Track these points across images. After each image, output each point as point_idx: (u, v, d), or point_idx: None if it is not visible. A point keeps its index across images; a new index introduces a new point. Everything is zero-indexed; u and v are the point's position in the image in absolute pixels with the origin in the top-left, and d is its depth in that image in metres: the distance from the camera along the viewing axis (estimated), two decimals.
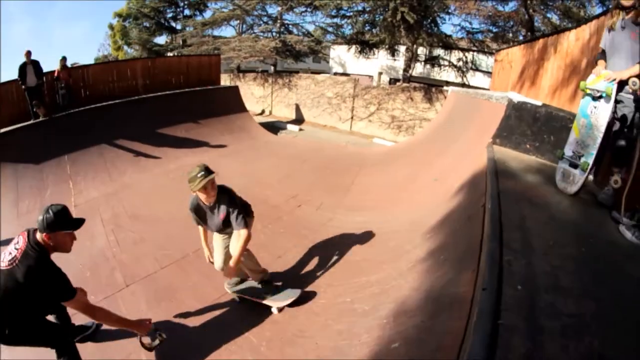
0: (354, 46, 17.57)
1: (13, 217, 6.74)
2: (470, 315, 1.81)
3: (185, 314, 3.59)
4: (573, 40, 6.04)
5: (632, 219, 2.80)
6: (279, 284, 3.85)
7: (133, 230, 5.39)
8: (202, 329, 3.45)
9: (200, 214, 3.46)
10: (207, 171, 3.21)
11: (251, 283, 3.83)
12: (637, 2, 2.97)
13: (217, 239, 3.61)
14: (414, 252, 3.62)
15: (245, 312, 3.59)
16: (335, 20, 18.03)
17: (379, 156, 9.32)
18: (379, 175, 7.63)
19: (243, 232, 3.23)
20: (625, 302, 2.03)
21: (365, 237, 4.66)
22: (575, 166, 3.43)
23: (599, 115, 3.21)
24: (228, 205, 3.36)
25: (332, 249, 4.52)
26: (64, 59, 9.94)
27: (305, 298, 3.61)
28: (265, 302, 3.57)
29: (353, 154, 9.96)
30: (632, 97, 3.08)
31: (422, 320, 2.41)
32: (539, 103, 4.77)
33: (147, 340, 2.96)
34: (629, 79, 3.00)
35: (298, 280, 4.00)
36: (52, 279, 2.42)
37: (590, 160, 3.22)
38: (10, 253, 2.41)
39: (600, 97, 3.20)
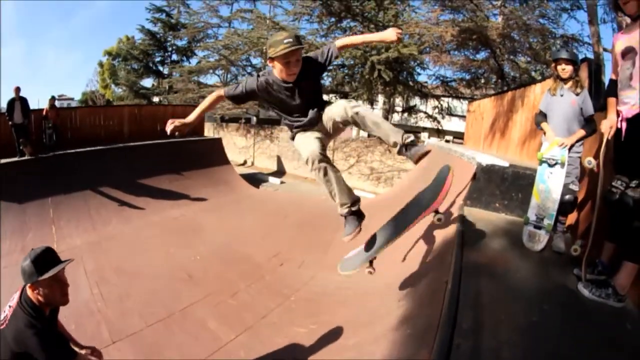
0: (333, 97, 18.56)
1: None
2: None
3: None
4: (539, 93, 6.37)
5: (592, 273, 3.02)
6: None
7: (117, 284, 5.47)
8: None
9: (271, 95, 2.85)
10: (297, 40, 2.56)
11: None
12: (574, 73, 3.63)
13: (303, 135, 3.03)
14: (388, 319, 3.85)
15: None
16: None
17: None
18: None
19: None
20: None
21: (345, 297, 4.89)
22: (539, 228, 3.83)
23: (555, 179, 3.72)
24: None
25: (313, 309, 4.76)
26: (52, 98, 10.36)
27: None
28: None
29: (332, 207, 10.19)
30: (578, 155, 3.71)
31: None
32: (506, 164, 5.16)
33: None
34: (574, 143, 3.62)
35: (282, 340, 4.19)
36: (37, 345, 1.97)
37: (552, 221, 3.68)
38: (4, 311, 2.18)
39: (556, 163, 3.71)
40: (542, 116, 3.95)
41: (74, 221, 7.73)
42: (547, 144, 3.82)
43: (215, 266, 6.23)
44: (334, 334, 4.13)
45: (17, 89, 8.87)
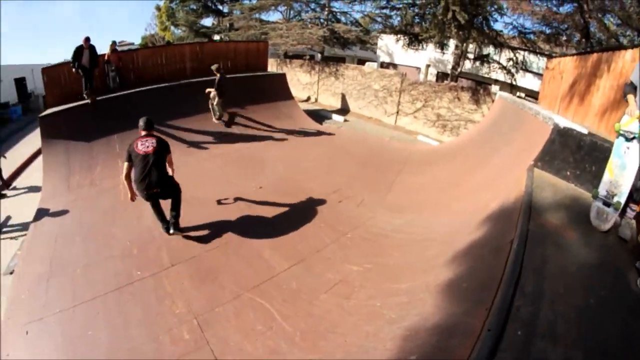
0: (402, 38, 17.62)
1: (64, 190, 7.60)
2: (473, 349, 2.16)
3: (224, 297, 4.05)
4: (629, 61, 5.86)
5: None
6: None
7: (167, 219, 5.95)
8: (239, 313, 3.87)
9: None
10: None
11: None
12: None
13: None
14: (443, 269, 3.85)
15: (281, 303, 3.96)
16: (384, 10, 18.17)
17: (422, 155, 9.42)
18: (422, 175, 7.76)
19: None
20: (611, 356, 2.27)
21: (402, 242, 4.90)
22: (608, 205, 3.65)
23: (632, 156, 3.43)
24: None
25: (368, 250, 4.81)
26: (113, 43, 10.95)
27: (340, 294, 3.97)
28: None
29: (397, 150, 10.10)
30: None
31: (437, 340, 2.71)
32: (585, 131, 4.84)
33: None
34: None
35: (333, 276, 4.33)
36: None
37: (623, 200, 3.48)
38: (147, 146, 4.88)
39: (634, 138, 3.40)
40: (631, 87, 3.59)
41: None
42: (628, 117, 3.54)
43: (275, 197, 6.45)
44: (387, 276, 4.20)
45: (87, 39, 9.38)
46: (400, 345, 2.91)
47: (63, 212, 6.85)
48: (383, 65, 25.53)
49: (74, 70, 9.35)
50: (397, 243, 4.89)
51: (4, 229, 8.68)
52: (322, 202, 6.31)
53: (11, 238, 8.28)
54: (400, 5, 16.90)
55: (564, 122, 5.02)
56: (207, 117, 10.69)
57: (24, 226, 8.41)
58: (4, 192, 10.00)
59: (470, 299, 3.02)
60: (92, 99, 9.58)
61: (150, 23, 37.74)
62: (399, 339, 2.99)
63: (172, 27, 30.72)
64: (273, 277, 4.39)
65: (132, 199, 5.07)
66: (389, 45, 24.39)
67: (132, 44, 39.27)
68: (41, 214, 7.03)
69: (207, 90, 10.29)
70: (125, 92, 10.30)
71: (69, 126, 8.73)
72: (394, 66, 25.10)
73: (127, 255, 5.06)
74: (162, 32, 32.00)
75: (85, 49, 9.31)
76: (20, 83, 25.26)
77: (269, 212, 5.94)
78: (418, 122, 14.71)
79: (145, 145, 4.89)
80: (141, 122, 5.12)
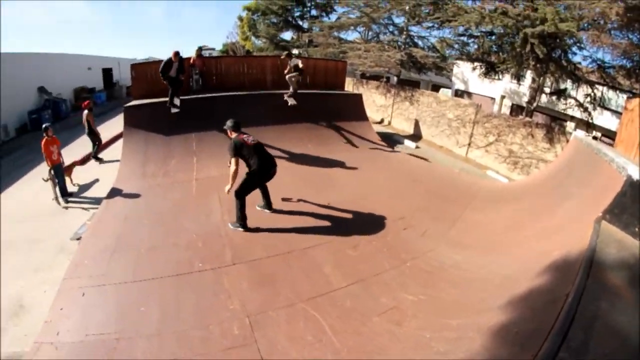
0: (478, 66, 17.30)
1: (138, 176, 8.12)
2: None
3: (278, 303, 4.12)
4: None
5: None
6: None
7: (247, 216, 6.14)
8: (291, 320, 3.91)
9: None
10: None
11: None
12: None
13: None
14: (497, 312, 3.71)
15: (334, 319, 3.94)
16: (461, 38, 17.98)
17: (490, 192, 9.10)
18: (487, 213, 7.49)
19: None
20: None
21: (459, 279, 4.76)
22: None
23: None
24: None
25: (425, 281, 4.71)
26: (199, 49, 11.88)
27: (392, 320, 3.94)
28: None
29: (465, 183, 9.83)
30: None
31: None
32: None
33: None
34: None
35: (388, 302, 4.28)
36: None
37: None
38: (252, 139, 5.62)
39: None
40: None
41: (214, 154, 8.77)
42: None
43: (342, 215, 6.52)
44: (440, 310, 4.11)
45: (176, 53, 9.63)
46: None
47: (135, 196, 7.30)
48: (457, 93, 25.13)
49: (163, 81, 9.75)
50: (454, 279, 4.78)
51: (74, 199, 9.47)
52: (386, 227, 6.26)
53: (82, 208, 9.00)
54: (478, 34, 16.65)
55: (638, 174, 4.68)
56: (283, 129, 11.00)
57: (96, 200, 9.11)
58: (100, 156, 11.81)
59: (518, 344, 2.98)
60: (173, 110, 9.93)
61: (231, 31, 39.99)
62: None
63: (253, 38, 32.31)
64: (329, 292, 4.39)
65: (230, 191, 5.50)
66: (465, 73, 24.05)
67: (213, 49, 41.78)
68: (114, 193, 7.55)
69: (291, 67, 10.95)
70: (206, 95, 10.91)
71: (150, 119, 9.39)
72: (469, 95, 24.65)
73: (191, 246, 5.28)
74: (243, 41, 33.76)
75: (175, 62, 9.66)
76: (107, 73, 28.59)
77: (334, 229, 6.00)
78: (489, 156, 14.23)
79: (250, 138, 5.64)
80: (233, 123, 5.73)
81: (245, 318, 3.96)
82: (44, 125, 9.25)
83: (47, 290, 5.96)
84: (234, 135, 5.65)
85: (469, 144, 14.87)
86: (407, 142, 15.19)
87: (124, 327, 4.04)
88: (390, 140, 14.59)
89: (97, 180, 10.24)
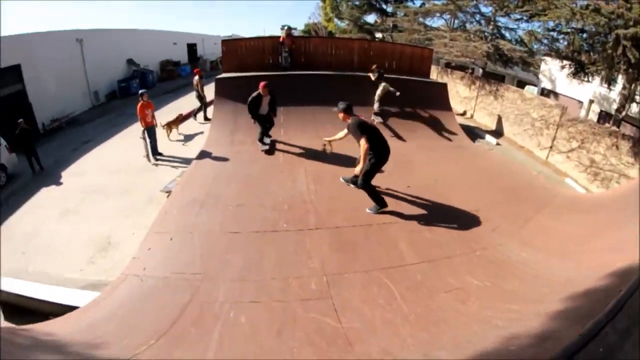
0: (567, 65, 16.29)
1: (227, 142, 8.86)
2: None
3: (355, 268, 4.53)
4: None
5: None
6: None
7: (330, 188, 6.62)
8: (366, 285, 4.30)
9: None
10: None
11: None
12: None
13: None
14: (556, 303, 3.82)
15: (404, 288, 4.28)
16: (551, 33, 16.96)
17: (566, 200, 8.80)
18: (559, 221, 7.33)
19: None
20: None
21: (523, 274, 4.90)
22: None
23: None
24: None
25: (491, 271, 4.92)
26: (289, 28, 12.62)
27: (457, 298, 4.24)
28: None
29: (542, 187, 9.55)
30: None
31: (535, 343, 2.93)
32: None
33: None
34: None
35: (455, 282, 4.57)
36: None
37: None
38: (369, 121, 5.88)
39: None
40: None
41: (300, 128, 9.32)
42: None
43: (420, 199, 6.78)
44: (502, 297, 4.33)
45: (265, 86, 8.40)
46: (502, 341, 3.13)
47: (223, 159, 8.00)
48: (544, 92, 23.83)
49: (252, 119, 8.82)
50: (519, 273, 4.92)
51: (163, 157, 10.52)
52: (461, 216, 6.44)
53: (171, 166, 9.97)
54: (569, 30, 15.64)
55: None
56: (368, 111, 11.26)
57: (184, 160, 10.03)
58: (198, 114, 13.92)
59: (568, 325, 3.09)
60: (261, 148, 9.02)
61: (314, 12, 40.54)
62: (502, 338, 3.21)
63: (336, 19, 32.59)
64: (402, 265, 4.74)
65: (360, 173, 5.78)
66: (553, 71, 22.74)
67: (295, 29, 42.58)
68: (203, 155, 8.31)
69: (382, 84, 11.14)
70: (295, 72, 11.54)
71: (239, 91, 10.00)
72: (555, 95, 23.27)
73: (277, 208, 5.83)
74: (325, 22, 34.13)
75: (265, 96, 8.52)
76: (191, 48, 32.19)
77: (412, 210, 6.28)
78: (570, 163, 13.44)
79: (371, 120, 5.72)
80: (346, 105, 5.87)
81: (323, 276, 4.41)
82: (140, 91, 10.40)
83: (135, 233, 6.86)
84: (348, 117, 5.79)
85: (551, 147, 14.18)
86: (488, 138, 14.87)
87: (208, 270, 4.63)
88: (472, 133, 14.38)
89: (201, 133, 11.53)
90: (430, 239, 5.45)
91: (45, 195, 9.68)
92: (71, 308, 4.85)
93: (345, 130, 5.81)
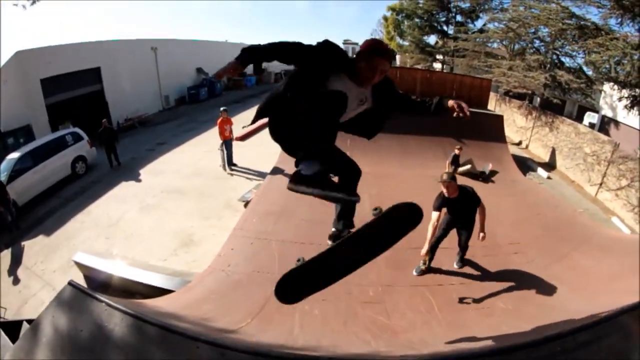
0: (624, 97, 16.34)
1: None
2: None
3: (405, 283, 5.98)
4: None
5: None
6: None
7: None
8: (412, 296, 5.67)
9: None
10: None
11: None
12: None
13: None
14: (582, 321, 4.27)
15: (442, 302, 5.54)
16: (610, 62, 16.81)
17: (605, 240, 8.97)
18: (594, 258, 7.80)
19: None
20: None
21: (543, 304, 5.74)
22: None
23: None
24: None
25: (517, 297, 5.89)
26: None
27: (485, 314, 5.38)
28: None
29: (583, 225, 10.04)
30: None
31: None
32: None
33: None
34: None
35: (488, 302, 5.70)
36: None
37: None
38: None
39: None
40: None
41: (367, 154, 10.26)
42: None
43: None
44: (520, 317, 5.14)
45: None
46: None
47: None
48: (604, 119, 23.78)
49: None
50: (539, 302, 5.77)
51: (237, 168, 12.07)
52: (501, 247, 7.44)
53: (245, 177, 11.53)
54: (626, 62, 15.59)
55: None
56: (426, 140, 12.47)
57: (257, 173, 11.56)
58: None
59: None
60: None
61: (375, 29, 41.83)
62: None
63: (398, 38, 33.85)
64: (442, 285, 6.05)
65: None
66: (614, 98, 22.62)
67: (356, 44, 44.09)
68: (277, 171, 9.79)
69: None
70: None
71: None
72: (616, 124, 22.97)
73: None
74: (387, 40, 35.37)
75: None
76: None
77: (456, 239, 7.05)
78: (618, 201, 13.49)
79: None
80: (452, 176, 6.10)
81: (379, 287, 5.78)
82: (222, 108, 12.17)
83: (215, 234, 8.25)
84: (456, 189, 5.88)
85: (601, 184, 14.39)
86: (540, 171, 15.41)
87: (284, 271, 5.93)
88: (524, 165, 15.01)
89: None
90: (471, 265, 6.62)
91: (126, 189, 11.40)
92: (164, 291, 6.18)
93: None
